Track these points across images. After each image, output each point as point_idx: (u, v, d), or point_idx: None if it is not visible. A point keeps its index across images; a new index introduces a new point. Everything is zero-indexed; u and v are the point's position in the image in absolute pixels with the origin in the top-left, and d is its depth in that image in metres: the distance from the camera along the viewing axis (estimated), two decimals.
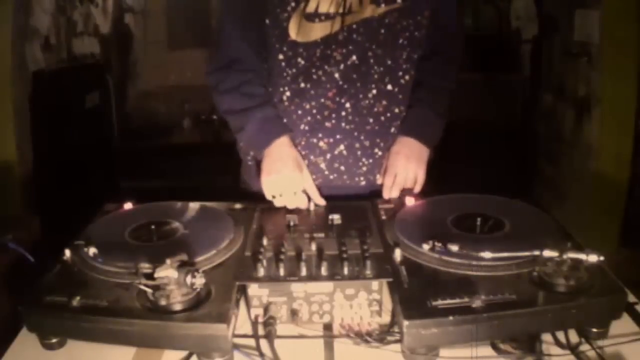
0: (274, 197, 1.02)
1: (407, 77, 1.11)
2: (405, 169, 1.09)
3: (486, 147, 3.10)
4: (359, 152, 1.13)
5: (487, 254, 0.75)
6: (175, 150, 3.41)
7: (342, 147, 1.12)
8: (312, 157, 1.12)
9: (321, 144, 1.12)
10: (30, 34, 2.44)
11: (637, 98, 2.32)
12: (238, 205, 1.01)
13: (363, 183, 1.15)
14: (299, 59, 1.07)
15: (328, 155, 1.12)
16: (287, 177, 1.03)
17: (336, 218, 0.92)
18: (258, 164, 1.10)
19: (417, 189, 1.10)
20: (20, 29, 2.32)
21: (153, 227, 0.91)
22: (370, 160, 1.14)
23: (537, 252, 0.73)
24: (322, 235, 0.87)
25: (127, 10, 3.69)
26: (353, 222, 0.91)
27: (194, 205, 0.99)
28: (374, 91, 1.09)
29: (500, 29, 3.57)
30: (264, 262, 0.77)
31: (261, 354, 0.70)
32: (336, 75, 1.07)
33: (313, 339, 0.76)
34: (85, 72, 2.98)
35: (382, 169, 1.13)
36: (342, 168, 1.13)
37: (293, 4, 1.03)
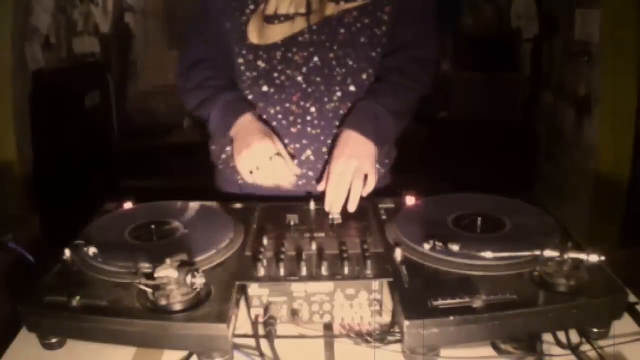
0: (251, 172, 1.01)
1: (364, 76, 1.09)
2: (349, 173, 0.98)
3: (486, 147, 3.10)
4: (326, 156, 1.10)
5: (487, 254, 0.75)
6: (175, 149, 3.42)
7: (308, 152, 1.10)
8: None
9: (287, 150, 1.09)
10: (30, 33, 2.44)
11: (637, 97, 2.32)
12: (238, 205, 1.00)
13: None
14: (259, 62, 1.05)
15: (295, 161, 1.08)
16: (256, 146, 1.00)
17: (336, 217, 0.92)
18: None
19: (367, 191, 0.99)
20: (20, 28, 2.32)
21: (153, 226, 0.91)
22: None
23: (537, 252, 0.72)
24: (322, 234, 0.86)
25: (127, 10, 3.69)
26: (353, 221, 0.91)
27: (194, 205, 0.99)
28: (338, 93, 1.07)
29: (500, 29, 3.57)
30: (264, 261, 0.77)
31: (261, 354, 0.70)
32: (299, 78, 1.05)
33: (313, 339, 0.75)
34: (85, 72, 2.98)
35: (325, 175, 1.03)
36: (310, 173, 1.12)
37: (252, 7, 1.02)
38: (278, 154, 1.02)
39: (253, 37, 1.04)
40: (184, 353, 0.72)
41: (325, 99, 1.07)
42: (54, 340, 0.73)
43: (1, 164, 2.21)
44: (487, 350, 0.71)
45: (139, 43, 3.81)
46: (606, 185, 2.37)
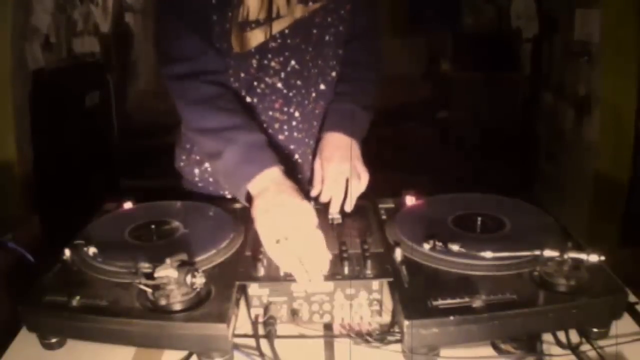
0: (278, 242, 0.79)
1: (333, 74, 1.10)
2: (345, 174, 0.97)
3: (486, 147, 3.10)
4: (310, 157, 1.11)
5: (488, 254, 0.75)
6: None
7: (296, 156, 1.10)
8: None
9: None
10: (30, 33, 2.44)
11: (637, 97, 2.32)
12: (238, 205, 1.00)
13: None
14: (241, 72, 1.02)
15: (283, 168, 1.03)
16: (296, 208, 0.82)
17: (336, 218, 0.92)
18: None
19: (361, 190, 0.98)
20: (20, 28, 2.32)
21: (153, 226, 0.91)
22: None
23: (537, 252, 0.72)
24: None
25: (127, 9, 3.69)
26: (353, 221, 0.91)
27: (194, 205, 0.99)
28: (313, 94, 1.07)
29: (500, 29, 3.57)
30: (264, 261, 0.77)
31: (261, 354, 0.70)
32: (279, 85, 1.03)
33: (313, 339, 0.75)
34: (85, 71, 2.98)
35: (317, 179, 1.01)
36: (300, 176, 1.11)
37: (230, 14, 0.98)
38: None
39: (235, 45, 1.00)
40: (184, 353, 0.72)
41: (306, 102, 1.07)
42: (54, 340, 0.73)
43: (1, 164, 2.21)
44: (487, 350, 0.71)
45: (139, 43, 3.81)
46: (606, 185, 2.37)
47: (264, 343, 0.71)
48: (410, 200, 1.00)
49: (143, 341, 0.71)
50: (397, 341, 0.72)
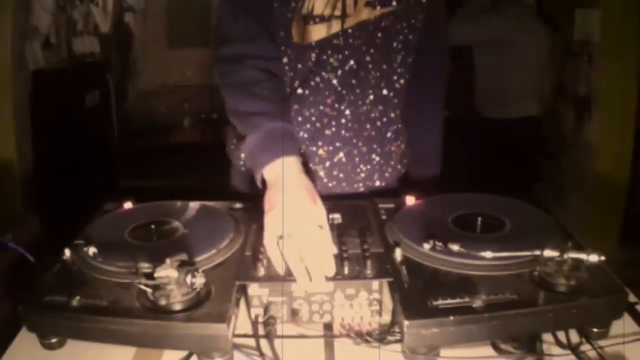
0: (280, 238, 0.78)
1: (402, 81, 1.10)
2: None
3: (486, 146, 3.09)
4: (357, 159, 1.11)
5: (488, 254, 0.75)
6: (176, 149, 3.42)
7: (341, 154, 1.10)
8: (310, 165, 1.10)
9: (320, 152, 1.09)
10: (30, 33, 2.44)
11: (637, 97, 2.32)
12: (238, 205, 1.00)
13: (362, 189, 1.14)
14: (297, 63, 1.04)
15: (327, 163, 1.10)
16: (299, 212, 0.81)
17: (336, 218, 0.92)
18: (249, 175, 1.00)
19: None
20: (20, 28, 2.32)
21: (153, 226, 0.91)
22: (368, 167, 1.12)
23: (537, 252, 0.72)
24: None
25: (127, 10, 3.69)
26: (353, 221, 0.91)
27: (194, 205, 0.99)
28: (371, 97, 1.07)
29: None
30: (264, 261, 0.77)
31: (261, 354, 0.70)
32: (334, 81, 1.04)
33: (313, 339, 0.75)
34: (85, 71, 2.98)
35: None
36: (341, 175, 1.12)
37: (293, 4, 1.00)
38: (320, 226, 0.81)
39: (295, 35, 1.02)
40: (184, 353, 0.72)
41: (359, 102, 1.07)
42: (54, 340, 0.73)
43: (1, 164, 2.21)
44: (487, 350, 0.71)
45: (139, 43, 3.81)
46: (606, 185, 2.37)
47: (264, 343, 0.71)
48: (410, 200, 1.00)
49: (143, 341, 0.71)
50: (397, 341, 0.72)
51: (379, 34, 1.03)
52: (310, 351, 0.73)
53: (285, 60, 1.04)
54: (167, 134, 3.63)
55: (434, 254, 0.78)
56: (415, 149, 1.23)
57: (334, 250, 0.79)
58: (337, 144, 1.09)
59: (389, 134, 1.13)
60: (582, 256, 0.70)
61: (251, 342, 0.73)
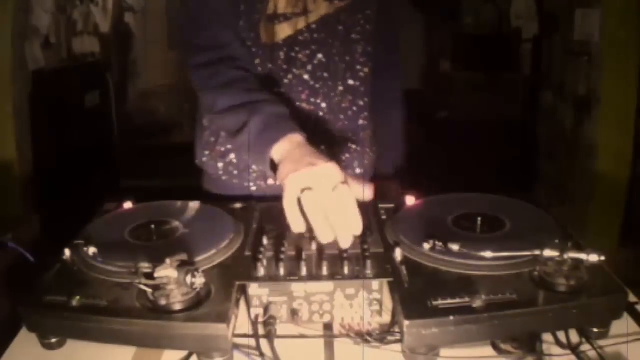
0: (303, 191, 0.78)
1: (366, 70, 1.14)
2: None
3: (486, 147, 3.10)
4: (336, 149, 1.14)
5: (488, 254, 0.74)
6: (176, 149, 3.41)
7: (322, 147, 1.10)
8: None
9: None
10: (30, 33, 2.44)
11: (637, 97, 2.32)
12: (238, 205, 1.00)
13: None
14: (268, 63, 1.07)
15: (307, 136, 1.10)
16: (324, 167, 0.80)
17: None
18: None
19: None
20: (20, 28, 2.32)
21: (153, 226, 0.91)
22: (347, 155, 1.16)
23: (537, 252, 0.72)
24: None
25: (128, 10, 3.69)
26: None
27: (193, 205, 0.99)
28: (341, 88, 1.12)
29: (500, 29, 3.57)
30: (264, 261, 0.77)
31: (261, 354, 0.70)
32: (306, 77, 1.08)
33: (313, 339, 0.75)
34: (85, 71, 2.98)
35: None
36: None
37: (259, 6, 1.03)
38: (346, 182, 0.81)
39: (264, 36, 1.05)
40: (184, 353, 0.72)
41: (332, 94, 1.11)
42: (54, 340, 0.73)
43: (1, 164, 2.21)
44: (487, 350, 0.71)
45: (139, 43, 3.81)
46: (606, 185, 2.37)
47: (264, 343, 0.71)
48: (410, 200, 0.99)
49: (143, 341, 0.71)
50: (397, 341, 0.72)
51: (340, 27, 1.08)
52: (310, 351, 0.73)
53: (257, 61, 1.07)
54: (167, 134, 3.63)
55: (434, 254, 0.78)
56: (380, 134, 1.26)
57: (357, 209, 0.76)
58: (318, 139, 1.10)
59: (360, 122, 1.17)
60: (582, 256, 0.70)
61: (251, 342, 0.72)
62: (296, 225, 0.77)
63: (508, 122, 3.25)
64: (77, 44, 2.97)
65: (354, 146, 1.17)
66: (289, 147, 0.87)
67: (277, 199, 0.86)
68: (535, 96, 3.05)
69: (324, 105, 1.11)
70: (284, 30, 1.05)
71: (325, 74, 1.09)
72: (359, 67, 1.13)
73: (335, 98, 1.12)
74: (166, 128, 3.66)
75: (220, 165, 1.16)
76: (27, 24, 2.40)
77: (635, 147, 2.38)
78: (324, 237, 0.74)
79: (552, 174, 2.83)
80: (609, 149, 2.38)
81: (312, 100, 1.10)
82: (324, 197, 0.76)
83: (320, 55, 1.07)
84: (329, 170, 0.80)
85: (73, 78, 2.74)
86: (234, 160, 1.14)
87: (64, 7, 2.79)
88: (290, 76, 1.08)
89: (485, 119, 3.28)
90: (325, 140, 1.11)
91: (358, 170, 1.18)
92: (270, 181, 1.13)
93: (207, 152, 1.17)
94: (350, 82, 1.13)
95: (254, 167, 1.09)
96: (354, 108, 1.15)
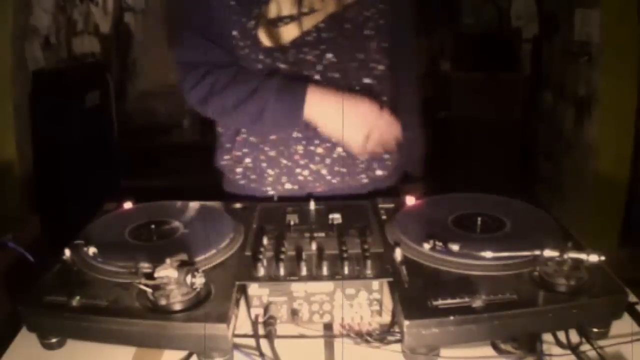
0: (368, 137, 0.99)
1: (381, 67, 1.11)
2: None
3: (486, 147, 3.10)
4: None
5: (488, 254, 0.75)
6: (175, 149, 3.42)
7: (339, 149, 1.10)
8: (312, 166, 1.10)
9: (319, 150, 1.09)
10: (30, 33, 2.44)
11: (637, 97, 2.32)
12: (238, 205, 1.00)
13: (365, 181, 1.14)
14: (279, 64, 1.05)
15: (327, 160, 1.10)
16: (364, 108, 1.00)
17: (336, 217, 0.92)
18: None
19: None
20: (20, 28, 2.32)
21: (153, 226, 0.91)
22: (366, 156, 1.13)
23: (537, 252, 0.72)
24: (322, 234, 0.86)
25: (128, 10, 3.69)
26: (353, 221, 0.91)
27: (193, 205, 0.99)
28: (356, 87, 1.09)
29: (500, 29, 3.57)
30: (264, 261, 0.77)
31: (261, 354, 0.70)
32: (316, 77, 1.05)
33: (313, 339, 0.75)
34: (85, 71, 2.98)
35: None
36: (343, 170, 1.12)
37: (256, 11, 1.01)
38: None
39: (265, 40, 1.03)
40: (184, 353, 0.72)
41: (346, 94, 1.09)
42: (54, 340, 0.73)
43: (1, 164, 2.21)
44: (487, 350, 0.71)
45: (139, 43, 3.81)
46: (606, 185, 2.37)
47: (264, 343, 0.71)
48: (410, 200, 1.00)
49: (143, 341, 0.71)
50: (397, 341, 0.72)
51: (348, 25, 1.05)
52: (310, 351, 0.73)
53: (260, 67, 1.05)
54: (166, 133, 3.63)
55: (434, 254, 0.78)
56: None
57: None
58: (334, 140, 1.09)
59: None
60: (582, 256, 0.70)
61: (251, 342, 0.73)
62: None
63: (508, 122, 3.25)
64: (77, 44, 2.97)
65: None
66: (317, 101, 1.00)
67: (295, 199, 0.99)
68: (535, 96, 3.05)
69: None
70: (290, 32, 1.02)
71: (337, 75, 1.06)
72: (373, 65, 1.09)
73: None
74: (166, 128, 3.66)
75: (239, 170, 1.16)
76: (27, 24, 2.40)
77: (635, 147, 2.38)
78: (360, 149, 1.01)
79: (552, 174, 2.83)
80: (609, 149, 2.38)
81: None
82: (382, 129, 1.00)
83: (329, 55, 1.05)
84: (368, 108, 1.00)
85: (73, 78, 2.73)
86: (250, 165, 1.14)
87: (64, 7, 2.79)
88: (299, 78, 1.05)
89: (485, 119, 3.28)
90: (340, 144, 1.09)
91: (379, 172, 1.15)
92: (288, 185, 1.12)
93: (226, 157, 1.18)
94: (366, 80, 1.09)
95: (269, 171, 1.12)
96: None
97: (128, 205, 1.01)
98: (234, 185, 1.18)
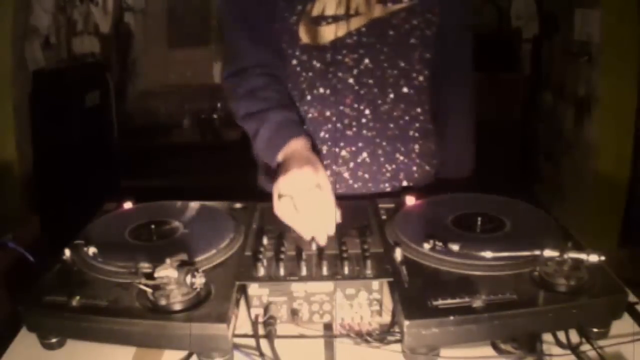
0: (280, 196, 0.87)
1: (421, 78, 1.08)
2: None
3: (486, 147, 3.10)
4: (381, 159, 1.10)
5: (488, 254, 0.75)
6: (175, 149, 3.42)
7: (364, 154, 1.09)
8: (334, 167, 1.10)
9: (343, 153, 1.09)
10: (30, 33, 2.44)
11: (637, 97, 2.32)
12: (238, 205, 1.00)
13: (388, 189, 1.13)
14: (314, 62, 1.05)
15: (351, 164, 1.10)
16: (296, 172, 0.87)
17: (336, 217, 0.92)
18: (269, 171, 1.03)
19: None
20: (20, 28, 2.32)
21: (153, 226, 0.91)
22: (393, 166, 1.11)
23: (537, 252, 0.72)
24: None
25: (127, 10, 3.69)
26: (353, 221, 0.91)
27: (194, 205, 0.99)
28: (392, 95, 1.07)
29: (500, 29, 3.57)
30: (264, 261, 0.77)
31: (261, 354, 0.70)
32: (350, 81, 1.04)
33: (313, 339, 0.75)
34: (85, 71, 2.98)
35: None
36: (366, 176, 1.11)
37: (300, 7, 1.01)
38: (318, 186, 0.86)
39: (304, 37, 1.03)
40: (184, 353, 0.72)
41: (379, 101, 1.07)
42: (54, 340, 0.73)
43: (1, 164, 2.21)
44: (487, 350, 0.71)
45: (139, 43, 3.81)
46: (606, 185, 2.37)
47: (264, 343, 0.71)
48: (410, 200, 0.99)
49: (143, 341, 0.71)
50: (397, 341, 0.72)
51: (391, 32, 1.03)
52: (310, 351, 0.73)
53: (294, 62, 1.06)
54: (167, 133, 3.63)
55: (434, 254, 0.78)
56: (446, 148, 1.19)
57: (334, 209, 0.85)
58: (360, 144, 1.09)
59: (411, 132, 1.11)
60: (582, 256, 0.70)
61: (251, 342, 0.73)
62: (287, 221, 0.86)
63: (508, 122, 3.24)
64: (77, 44, 2.97)
65: (401, 158, 1.11)
66: (288, 152, 0.95)
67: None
68: (535, 96, 3.05)
69: (367, 112, 1.06)
70: (330, 32, 1.02)
71: (371, 81, 1.05)
72: (414, 75, 1.07)
73: (383, 106, 1.07)
74: (166, 128, 3.66)
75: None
76: (27, 24, 2.40)
77: (635, 147, 2.38)
78: (304, 233, 0.83)
79: (552, 174, 2.83)
80: (609, 149, 2.38)
81: (356, 106, 1.06)
82: (297, 201, 0.84)
83: (367, 61, 1.03)
84: (300, 175, 0.87)
85: (73, 78, 2.73)
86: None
87: (64, 7, 2.79)
88: (334, 79, 1.05)
89: (485, 119, 3.28)
90: (366, 148, 1.09)
91: (405, 183, 1.13)
92: None
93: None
94: (405, 89, 1.07)
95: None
96: (406, 117, 1.09)
97: (128, 205, 1.01)
98: (268, 179, 1.16)
